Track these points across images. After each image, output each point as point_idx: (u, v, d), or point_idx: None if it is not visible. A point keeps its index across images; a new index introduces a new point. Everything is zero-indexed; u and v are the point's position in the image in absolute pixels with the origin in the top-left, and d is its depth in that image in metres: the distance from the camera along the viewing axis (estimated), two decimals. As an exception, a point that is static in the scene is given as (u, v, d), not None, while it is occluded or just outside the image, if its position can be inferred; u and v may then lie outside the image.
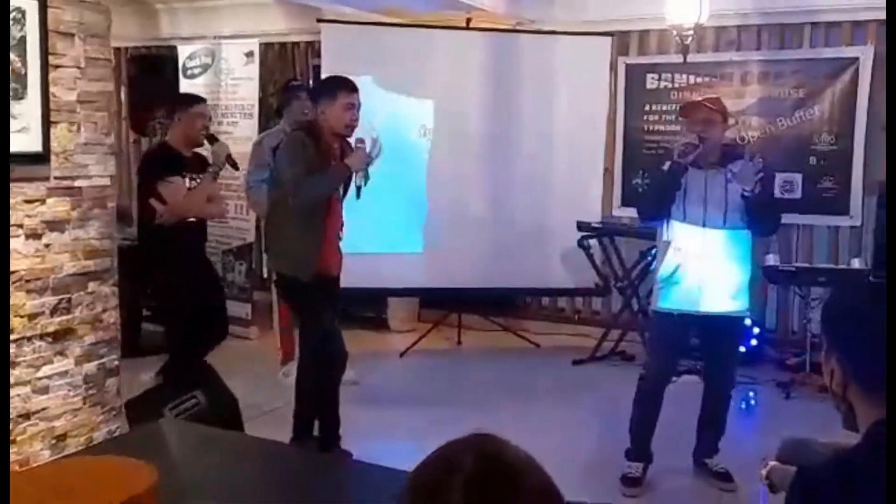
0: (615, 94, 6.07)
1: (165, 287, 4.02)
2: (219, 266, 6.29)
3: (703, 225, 3.49)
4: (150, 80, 7.06)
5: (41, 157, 3.11)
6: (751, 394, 5.08)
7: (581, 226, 5.62)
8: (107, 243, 3.45)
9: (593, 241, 5.65)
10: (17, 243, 3.10)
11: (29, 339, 3.12)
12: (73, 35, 3.28)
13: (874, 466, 1.47)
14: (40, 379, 3.18)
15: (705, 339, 3.74)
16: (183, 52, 6.57)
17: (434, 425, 4.40)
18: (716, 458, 3.74)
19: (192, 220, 4.08)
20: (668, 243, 3.57)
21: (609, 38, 5.89)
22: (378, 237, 5.47)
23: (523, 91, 5.84)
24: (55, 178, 3.23)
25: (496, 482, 0.82)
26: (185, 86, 6.39)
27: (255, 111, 6.18)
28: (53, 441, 3.26)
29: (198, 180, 4.05)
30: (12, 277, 3.02)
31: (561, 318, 6.45)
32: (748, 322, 5.58)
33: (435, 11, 5.91)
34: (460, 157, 5.76)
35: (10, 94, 2.95)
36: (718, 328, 3.62)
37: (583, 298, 6.34)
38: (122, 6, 6.68)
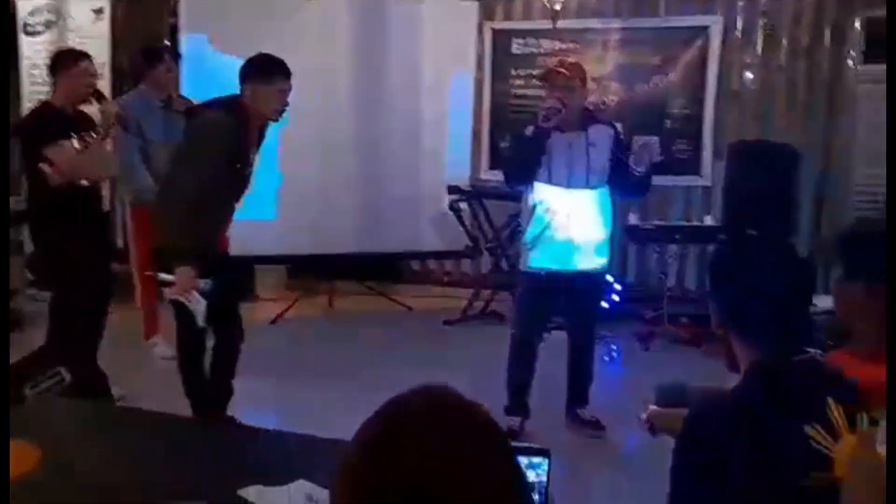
0: (482, 58, 6.12)
1: (57, 255, 3.71)
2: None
3: (568, 186, 3.61)
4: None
5: None
6: (612, 347, 5.32)
7: (451, 189, 5.67)
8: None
9: (463, 205, 5.71)
10: None
11: None
12: None
13: (755, 401, 1.58)
14: None
15: (570, 295, 3.86)
16: (23, 7, 6.03)
17: (308, 391, 4.35)
18: (586, 407, 3.90)
19: (84, 183, 3.79)
20: (534, 205, 3.67)
21: (475, 3, 5.92)
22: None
23: (390, 54, 5.77)
24: None
25: (447, 421, 0.83)
26: (26, 44, 5.90)
27: (107, 72, 5.79)
28: None
29: (87, 141, 3.75)
30: None
31: (431, 280, 6.51)
32: (609, 278, 5.86)
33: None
34: (325, 121, 5.61)
35: None
36: (582, 285, 3.77)
37: (452, 261, 6.42)
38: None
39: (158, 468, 1.76)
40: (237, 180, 3.39)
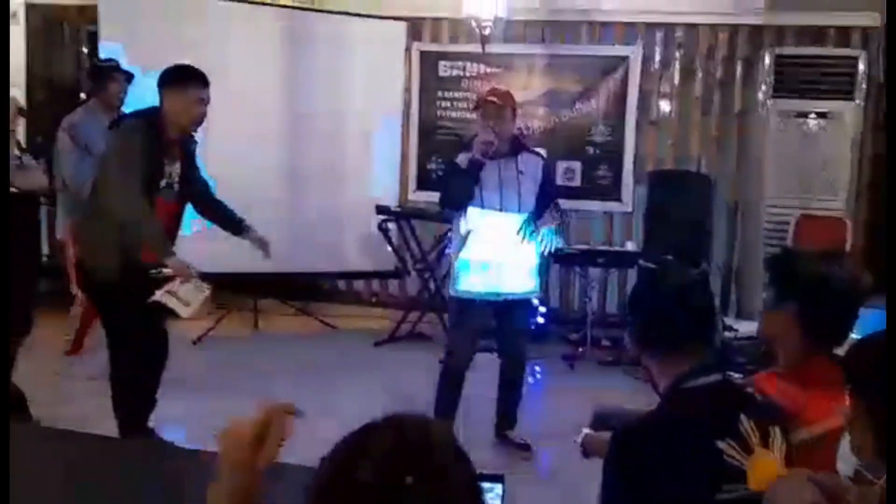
0: (410, 79, 6.18)
1: None
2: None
3: (500, 208, 3.70)
4: None
5: None
6: (537, 368, 5.41)
7: (380, 209, 5.69)
8: None
9: (392, 225, 5.74)
10: None
11: None
12: None
13: (671, 422, 1.67)
14: None
15: (500, 318, 3.93)
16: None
17: (232, 412, 4.27)
18: (515, 429, 3.96)
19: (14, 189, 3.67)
20: (466, 231, 3.73)
21: (403, 23, 5.97)
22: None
23: (317, 72, 5.77)
24: None
25: (417, 448, 0.84)
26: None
27: (22, 80, 5.62)
28: None
29: None
30: None
31: (358, 300, 6.49)
32: (535, 301, 5.97)
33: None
34: (247, 138, 5.53)
35: None
36: (512, 308, 3.85)
37: (379, 281, 6.42)
38: None
39: (94, 493, 1.72)
40: (149, 191, 3.31)
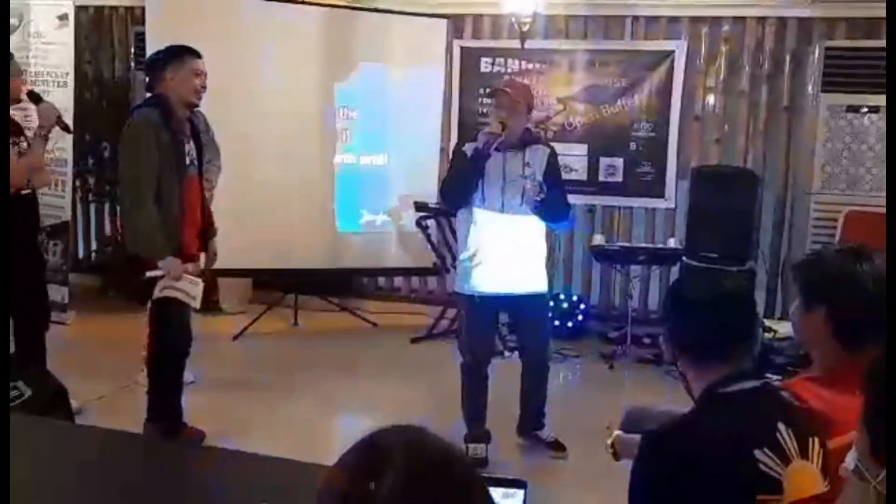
0: (450, 76, 6.16)
1: None
2: (30, 246, 5.83)
3: (502, 208, 3.61)
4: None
5: None
6: (577, 366, 5.37)
7: (419, 206, 5.68)
8: None
9: (431, 221, 5.73)
10: None
11: None
12: None
13: (704, 428, 1.62)
14: None
15: (513, 317, 3.88)
16: (-16, 10, 5.95)
17: (271, 408, 4.32)
18: (546, 428, 3.90)
19: (25, 191, 3.75)
20: (468, 227, 3.67)
21: (444, 21, 5.95)
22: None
23: (360, 70, 5.79)
24: None
25: (426, 475, 0.82)
26: (-13, 49, 5.80)
27: (70, 80, 5.73)
28: None
29: (23, 145, 3.71)
30: None
31: (397, 297, 6.50)
32: (574, 298, 5.91)
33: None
34: (294, 135, 5.62)
35: None
36: (523, 306, 3.76)
37: (418, 278, 6.43)
38: None
39: (121, 491, 1.74)
40: (179, 174, 3.43)
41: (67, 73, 5.72)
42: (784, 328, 4.60)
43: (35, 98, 3.92)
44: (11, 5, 5.82)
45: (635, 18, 5.89)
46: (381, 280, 6.55)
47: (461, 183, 3.62)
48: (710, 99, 5.85)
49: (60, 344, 4.86)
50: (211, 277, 4.49)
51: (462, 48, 6.18)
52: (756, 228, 5.45)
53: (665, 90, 5.85)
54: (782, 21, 5.63)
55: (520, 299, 3.71)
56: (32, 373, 2.84)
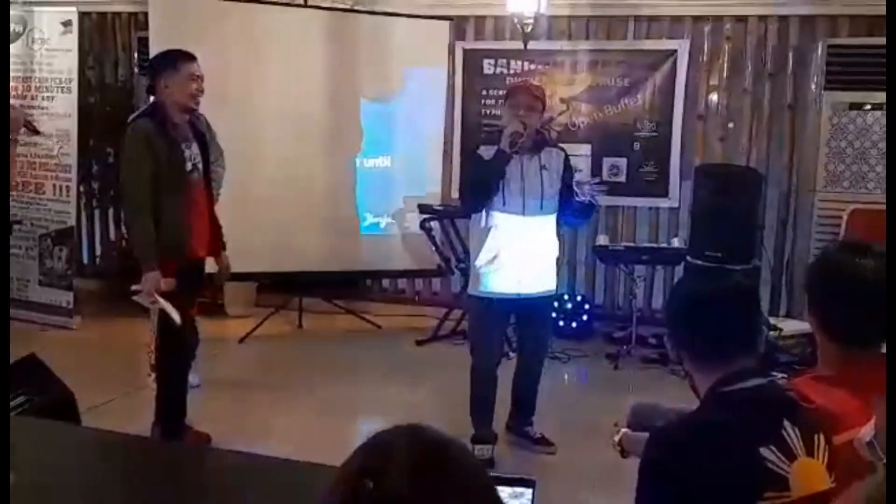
0: (453, 78, 6.16)
1: None
2: (35, 251, 5.86)
3: (523, 211, 3.62)
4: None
5: None
6: (582, 366, 5.36)
7: (423, 208, 5.69)
8: None
9: (435, 223, 5.73)
10: None
11: None
12: None
13: (711, 426, 1.62)
14: None
15: (521, 316, 3.88)
16: (-12, 17, 5.97)
17: (277, 410, 4.33)
18: (539, 426, 3.93)
19: None
20: (487, 229, 3.66)
21: (447, 22, 5.96)
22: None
23: (363, 72, 5.80)
24: None
25: (431, 464, 0.82)
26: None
27: (74, 86, 5.75)
28: None
29: None
30: None
31: (402, 299, 6.50)
32: (579, 298, 5.91)
33: (272, -13, 5.74)
34: (298, 138, 5.64)
35: None
36: (535, 306, 3.78)
37: (423, 280, 6.43)
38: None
39: (126, 493, 1.74)
40: (180, 180, 3.43)
41: (71, 80, 5.75)
42: (789, 326, 4.60)
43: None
44: (16, 13, 5.86)
45: (637, 18, 5.89)
46: (386, 282, 6.55)
47: (484, 185, 3.58)
48: (713, 98, 5.84)
49: (66, 348, 4.91)
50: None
51: (465, 50, 6.19)
52: (760, 227, 5.45)
53: (668, 89, 5.84)
54: (784, 19, 5.62)
55: (532, 299, 3.73)
56: (38, 378, 2.84)
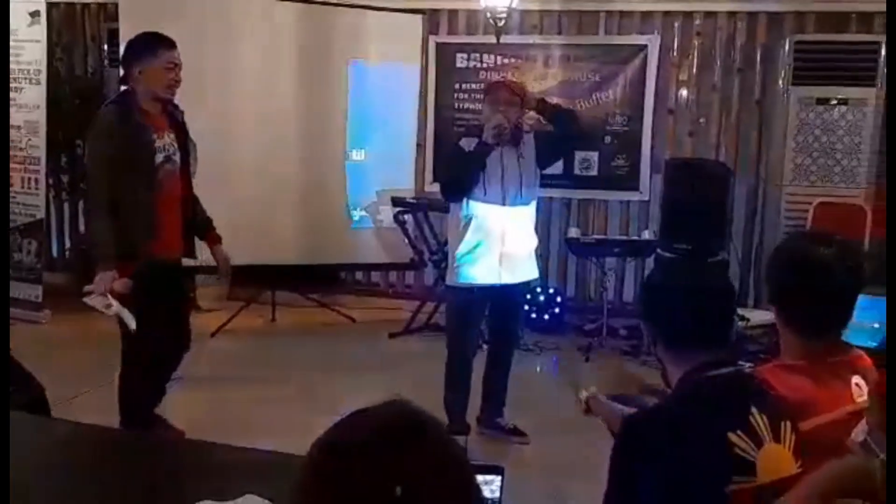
0: (426, 71, 6.17)
1: None
2: (2, 245, 5.77)
3: (503, 202, 3.69)
4: None
5: None
6: (553, 359, 5.41)
7: (396, 201, 5.69)
8: None
9: (408, 216, 5.74)
10: None
11: None
12: None
13: (681, 413, 1.66)
14: None
15: (495, 307, 3.92)
16: (-48, 7, 5.87)
17: (250, 404, 4.32)
18: (511, 418, 3.96)
19: None
20: (468, 220, 3.72)
21: (420, 16, 5.96)
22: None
23: (335, 65, 5.78)
24: None
25: (407, 427, 0.84)
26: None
27: (43, 77, 5.67)
28: None
29: None
30: None
31: (375, 292, 6.51)
32: (550, 290, 5.95)
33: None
34: (268, 131, 5.60)
35: None
36: (510, 295, 3.86)
37: (396, 273, 6.44)
38: None
39: (104, 484, 1.74)
40: (148, 172, 3.26)
41: (40, 71, 5.67)
42: (756, 317, 4.67)
43: None
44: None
45: (609, 13, 5.94)
46: (359, 275, 6.55)
47: (465, 176, 3.66)
48: (683, 93, 5.91)
49: (35, 343, 4.85)
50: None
51: (438, 44, 6.20)
52: (729, 220, 5.53)
53: (639, 84, 5.90)
54: (753, 15, 5.71)
55: (511, 287, 3.81)
56: (9, 373, 2.80)
